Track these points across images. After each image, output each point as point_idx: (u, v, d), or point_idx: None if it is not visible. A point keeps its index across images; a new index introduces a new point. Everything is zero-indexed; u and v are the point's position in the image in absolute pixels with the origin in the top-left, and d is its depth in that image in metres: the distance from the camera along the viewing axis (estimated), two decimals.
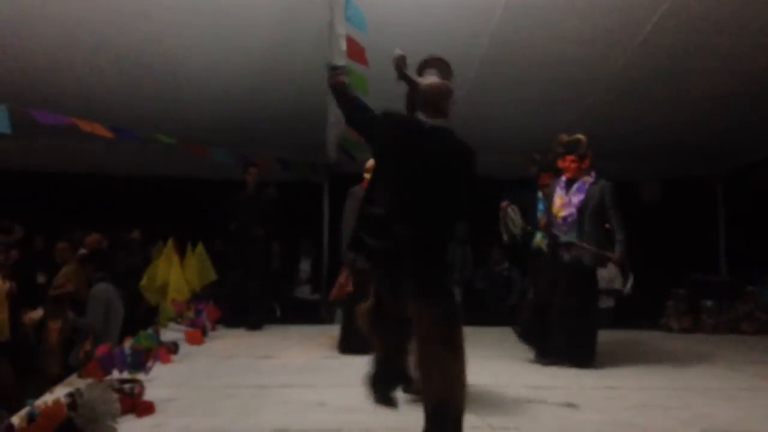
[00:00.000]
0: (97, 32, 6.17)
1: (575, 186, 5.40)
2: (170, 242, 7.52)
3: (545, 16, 5.95)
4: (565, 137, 5.48)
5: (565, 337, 5.18)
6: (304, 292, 9.57)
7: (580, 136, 5.42)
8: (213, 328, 6.77)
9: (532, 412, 3.72)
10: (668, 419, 3.58)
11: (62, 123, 6.22)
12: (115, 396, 2.16)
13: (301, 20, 5.99)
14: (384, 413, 3.54)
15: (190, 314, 6.59)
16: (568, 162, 5.42)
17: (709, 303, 7.89)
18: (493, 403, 3.89)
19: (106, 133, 6.52)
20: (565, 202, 5.38)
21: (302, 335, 6.88)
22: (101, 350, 4.00)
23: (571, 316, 5.15)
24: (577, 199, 5.35)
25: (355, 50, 5.10)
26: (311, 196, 9.23)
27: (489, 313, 8.38)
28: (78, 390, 1.97)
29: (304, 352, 5.78)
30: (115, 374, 4.05)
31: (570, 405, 3.87)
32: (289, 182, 9.05)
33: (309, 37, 6.08)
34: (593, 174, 5.43)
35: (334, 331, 6.29)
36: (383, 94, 5.95)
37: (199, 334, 6.05)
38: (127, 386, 3.50)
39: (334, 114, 6.40)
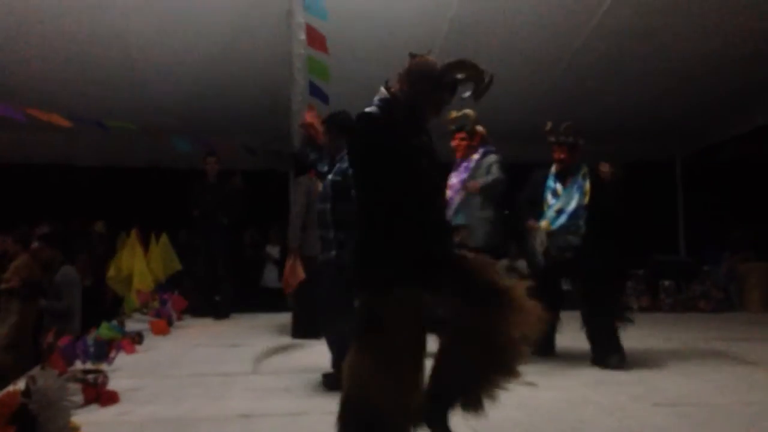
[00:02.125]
0: (54, 24, 6.09)
1: (462, 165, 5.03)
2: (133, 233, 7.48)
3: (502, 1, 6.03)
4: (453, 113, 5.02)
5: None
6: (271, 280, 9.59)
7: (469, 112, 5.01)
8: (179, 318, 6.77)
9: None
10: (621, 394, 3.70)
11: (17, 114, 6.11)
12: (74, 385, 2.18)
13: (262, 8, 5.99)
14: None
15: (156, 304, 6.58)
16: (457, 140, 5.05)
17: (667, 283, 8.11)
18: None
19: (64, 122, 6.44)
20: (449, 183, 4.98)
21: (269, 323, 6.91)
22: (63, 341, 3.99)
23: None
24: (458, 179, 4.98)
25: (315, 38, 5.12)
26: (278, 184, 9.26)
27: None
28: (31, 377, 1.99)
29: (271, 339, 5.81)
30: (79, 365, 4.06)
31: (527, 383, 3.97)
32: (256, 170, 9.09)
33: (270, 26, 6.08)
34: (480, 150, 5.07)
35: None
36: (344, 81, 6.05)
37: (164, 324, 6.05)
38: (90, 376, 3.52)
39: (298, 103, 6.42)
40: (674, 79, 7.31)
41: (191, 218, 7.46)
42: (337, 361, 3.73)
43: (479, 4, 6.00)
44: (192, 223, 7.52)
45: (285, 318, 7.28)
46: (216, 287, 7.29)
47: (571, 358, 4.86)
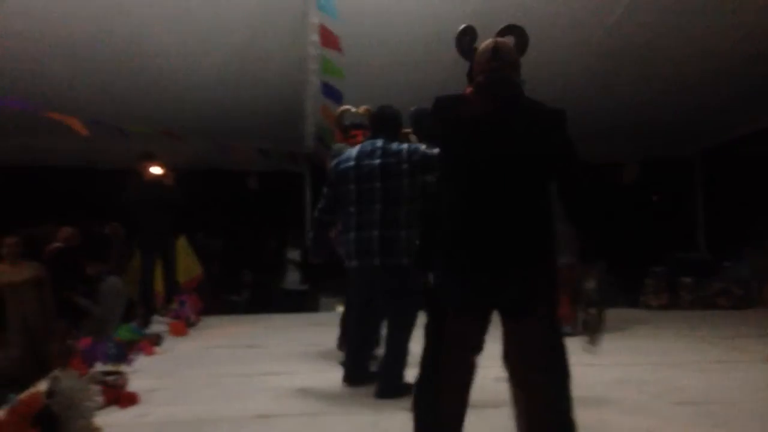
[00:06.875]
0: (76, 32, 6.13)
1: None
2: None
3: (519, 1, 5.98)
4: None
5: None
6: (293, 282, 9.59)
7: (370, 108, 4.83)
8: (197, 320, 6.79)
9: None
10: (642, 393, 3.67)
11: (34, 110, 6.21)
12: (94, 386, 2.20)
13: (277, 11, 5.99)
14: (364, 398, 3.63)
15: (174, 306, 6.61)
16: (360, 137, 4.83)
17: (687, 280, 8.00)
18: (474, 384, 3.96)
19: (82, 130, 6.50)
20: None
21: (286, 324, 6.94)
22: (84, 344, 4.03)
23: None
24: None
25: (329, 38, 5.13)
26: (293, 186, 9.31)
27: None
28: (55, 378, 2.02)
29: (288, 340, 5.83)
30: (99, 367, 4.10)
31: None
32: (270, 172, 9.16)
33: (284, 29, 6.08)
34: None
35: (320, 318, 6.34)
36: (360, 80, 6.05)
37: (182, 326, 6.08)
38: (109, 378, 3.55)
39: (311, 105, 6.45)
40: (692, 76, 7.20)
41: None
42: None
43: (496, 4, 5.95)
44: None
45: (303, 319, 7.33)
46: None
47: (589, 357, 4.82)
